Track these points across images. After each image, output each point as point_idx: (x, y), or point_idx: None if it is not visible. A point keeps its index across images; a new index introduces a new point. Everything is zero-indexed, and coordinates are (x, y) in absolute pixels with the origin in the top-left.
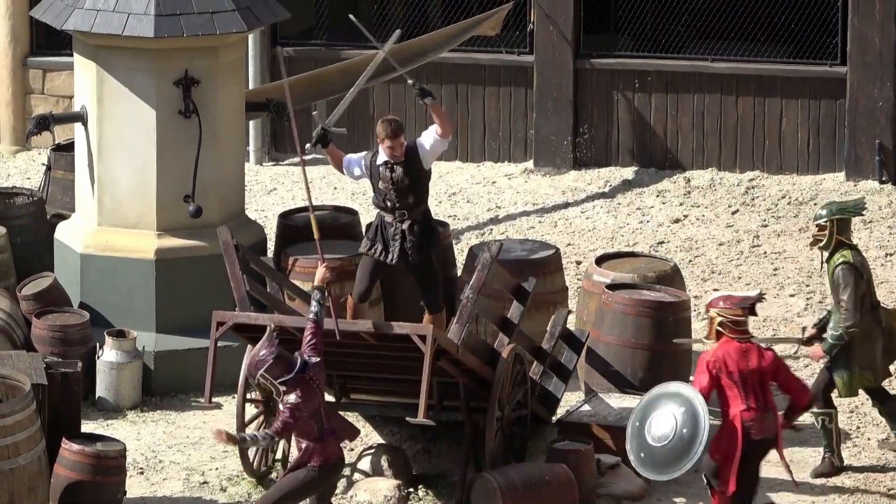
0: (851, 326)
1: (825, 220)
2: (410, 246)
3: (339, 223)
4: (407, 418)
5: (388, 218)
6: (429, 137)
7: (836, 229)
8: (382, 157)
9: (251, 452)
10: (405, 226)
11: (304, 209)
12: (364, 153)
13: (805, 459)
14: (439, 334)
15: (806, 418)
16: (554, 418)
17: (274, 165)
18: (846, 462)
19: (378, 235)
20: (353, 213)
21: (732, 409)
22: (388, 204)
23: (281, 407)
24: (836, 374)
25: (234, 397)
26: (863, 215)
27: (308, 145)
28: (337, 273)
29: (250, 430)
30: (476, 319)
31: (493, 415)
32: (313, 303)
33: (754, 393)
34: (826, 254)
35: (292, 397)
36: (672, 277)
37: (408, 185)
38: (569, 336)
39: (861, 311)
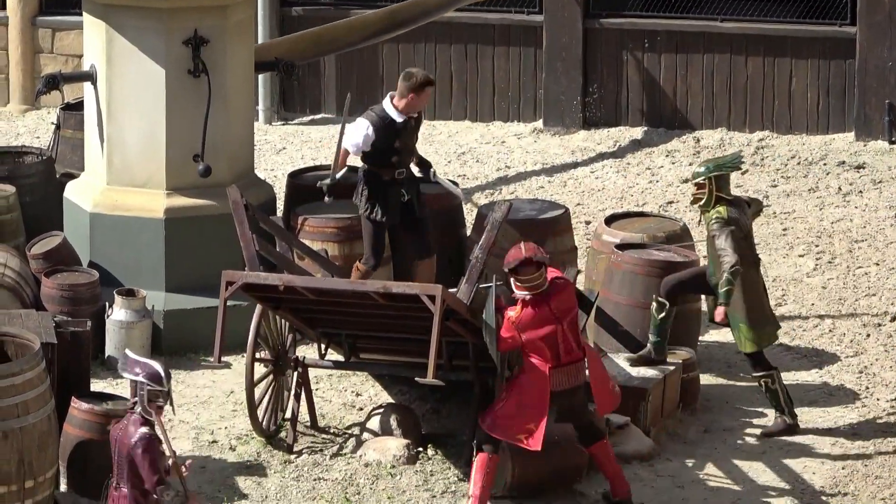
0: (734, 265)
1: (703, 178)
2: (416, 202)
3: (351, 182)
4: (416, 378)
5: (387, 176)
6: None
7: (715, 186)
8: (397, 114)
9: (260, 412)
10: (406, 184)
11: (313, 168)
12: (361, 127)
13: (814, 420)
14: (448, 294)
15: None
16: None
17: (283, 125)
18: (856, 421)
19: (381, 198)
20: None
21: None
22: (395, 160)
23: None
24: (735, 329)
25: (243, 356)
26: (741, 169)
27: (327, 199)
28: (346, 232)
29: (260, 388)
30: (485, 279)
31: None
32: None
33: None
34: (703, 213)
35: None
36: (681, 237)
37: (415, 141)
38: (578, 296)
39: (739, 255)
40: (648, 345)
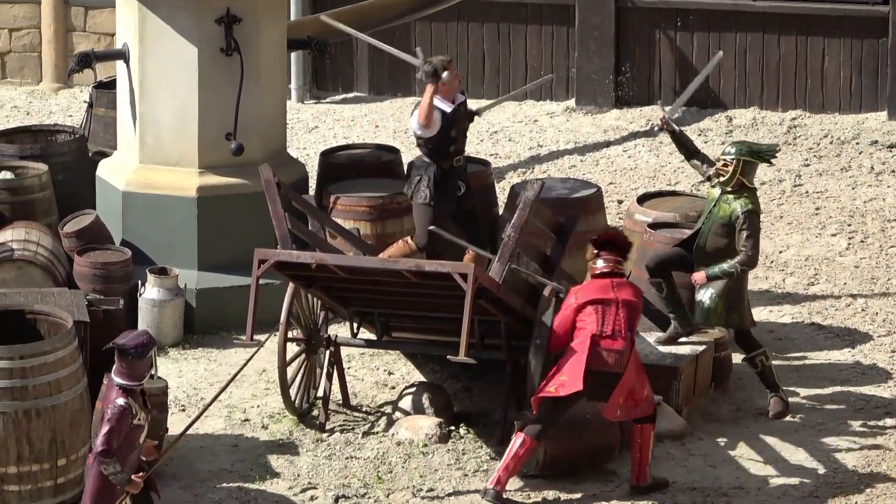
0: (746, 266)
1: (732, 157)
2: (468, 194)
3: (382, 161)
4: (448, 357)
5: (446, 165)
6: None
7: (741, 170)
8: (444, 103)
9: (292, 390)
10: (463, 174)
11: (345, 147)
12: (436, 104)
13: (846, 399)
14: (481, 273)
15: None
16: None
17: (315, 103)
18: (888, 401)
19: (439, 186)
20: (394, 152)
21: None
22: (453, 149)
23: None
24: (701, 299)
25: (275, 335)
26: (772, 164)
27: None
28: (378, 211)
29: (292, 366)
30: (517, 258)
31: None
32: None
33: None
34: (721, 191)
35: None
36: None
37: (467, 127)
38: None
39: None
40: (672, 323)
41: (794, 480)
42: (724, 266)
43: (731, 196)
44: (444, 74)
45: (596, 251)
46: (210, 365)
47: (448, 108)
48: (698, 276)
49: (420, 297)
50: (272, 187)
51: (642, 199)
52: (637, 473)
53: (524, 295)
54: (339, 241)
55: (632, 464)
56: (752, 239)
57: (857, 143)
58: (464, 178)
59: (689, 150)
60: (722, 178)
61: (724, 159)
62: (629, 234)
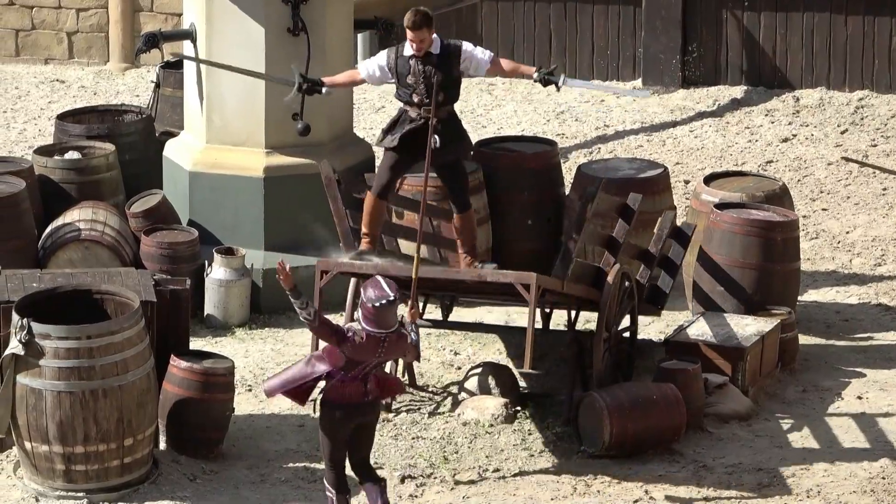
0: None
1: None
2: (450, 151)
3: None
4: (514, 369)
5: (413, 113)
6: (480, 57)
7: None
8: (409, 49)
9: None
10: (442, 132)
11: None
12: (381, 53)
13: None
14: (543, 279)
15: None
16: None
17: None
18: None
19: (399, 128)
20: None
21: None
22: (416, 98)
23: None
24: None
25: (341, 315)
26: None
27: (289, 96)
28: (444, 192)
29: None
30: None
31: (601, 336)
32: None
33: None
34: None
35: (357, 326)
36: (781, 197)
37: (439, 82)
38: (676, 231)
39: None
40: None
41: (861, 462)
42: None
43: None
44: (411, 31)
45: None
46: (276, 345)
47: (408, 52)
48: None
49: (484, 288)
50: (332, 184)
51: (709, 180)
52: None
53: (589, 279)
54: (407, 218)
55: None
56: None
57: None
58: (446, 132)
59: None
60: None
61: None
62: (695, 214)
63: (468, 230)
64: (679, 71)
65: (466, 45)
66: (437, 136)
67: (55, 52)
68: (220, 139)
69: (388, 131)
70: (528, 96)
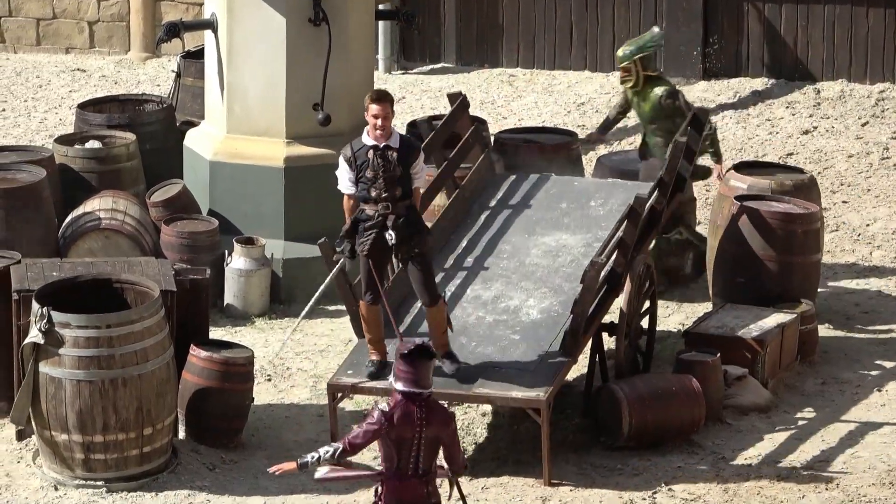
0: (705, 111)
1: (629, 61)
2: (397, 241)
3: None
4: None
5: (370, 210)
6: (420, 174)
7: (641, 67)
8: (368, 138)
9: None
10: (389, 221)
11: (434, 118)
12: (340, 160)
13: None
14: (552, 397)
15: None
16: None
17: (402, 74)
18: None
19: (362, 235)
20: (481, 122)
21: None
22: (374, 193)
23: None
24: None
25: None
26: (662, 45)
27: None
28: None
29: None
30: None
31: (622, 329)
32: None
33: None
34: (635, 93)
35: (384, 405)
36: (809, 189)
37: (399, 176)
38: (693, 118)
39: None
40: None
41: (880, 454)
42: (712, 142)
43: (646, 90)
44: (371, 105)
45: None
46: (296, 335)
47: (370, 143)
48: (719, 168)
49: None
50: (341, 277)
51: (739, 167)
52: None
53: (603, 283)
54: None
55: None
56: (685, 102)
57: None
58: (406, 226)
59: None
60: (631, 83)
61: (623, 67)
62: (723, 199)
63: (437, 323)
64: (700, 63)
65: (422, 154)
66: (392, 233)
67: (76, 41)
68: (240, 129)
69: (345, 238)
70: (549, 88)
